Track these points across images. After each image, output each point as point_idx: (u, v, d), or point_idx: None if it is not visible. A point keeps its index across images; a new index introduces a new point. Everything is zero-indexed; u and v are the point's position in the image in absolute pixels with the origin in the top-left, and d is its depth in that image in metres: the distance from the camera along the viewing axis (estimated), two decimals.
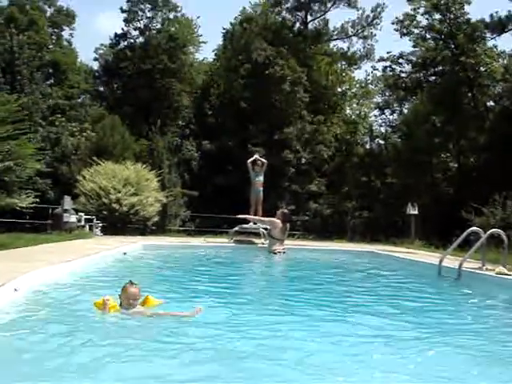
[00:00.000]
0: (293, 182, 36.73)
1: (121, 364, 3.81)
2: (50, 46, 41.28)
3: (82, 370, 3.62)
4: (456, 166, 36.94)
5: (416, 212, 24.30)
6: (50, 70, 40.36)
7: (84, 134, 34.95)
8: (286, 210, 15.45)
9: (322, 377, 3.71)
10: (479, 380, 3.85)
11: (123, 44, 43.66)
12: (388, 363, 4.14)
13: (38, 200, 18.45)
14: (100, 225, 21.51)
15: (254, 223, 16.76)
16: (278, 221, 14.09)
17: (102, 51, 45.93)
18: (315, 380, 3.67)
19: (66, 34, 46.20)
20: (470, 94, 36.47)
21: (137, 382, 3.50)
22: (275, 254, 13.66)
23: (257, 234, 17.21)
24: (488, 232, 10.21)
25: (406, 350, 4.55)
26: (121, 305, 5.31)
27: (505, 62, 37.25)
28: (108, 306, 5.17)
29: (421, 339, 5.03)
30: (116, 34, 43.45)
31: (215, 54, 45.61)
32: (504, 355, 4.59)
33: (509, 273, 9.46)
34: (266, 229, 15.62)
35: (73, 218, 19.11)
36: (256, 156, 18.29)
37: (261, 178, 17.77)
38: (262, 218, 15.76)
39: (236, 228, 17.42)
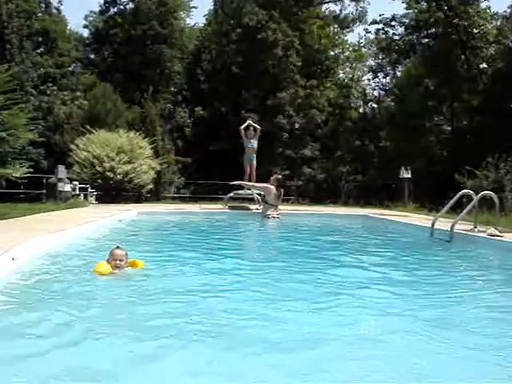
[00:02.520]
0: (286, 147, 36.75)
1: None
2: (39, 14, 40.60)
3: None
4: (449, 128, 36.96)
5: (409, 175, 24.45)
6: (40, 39, 39.82)
7: (76, 102, 34.76)
8: (279, 176, 15.51)
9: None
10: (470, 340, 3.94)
11: (113, 10, 43.08)
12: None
13: (31, 170, 18.45)
14: (95, 193, 21.58)
15: (249, 189, 16.87)
16: (272, 187, 14.20)
17: (91, 18, 45.36)
18: None
19: (54, 1, 45.51)
20: (463, 57, 36.28)
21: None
22: (269, 218, 13.79)
23: (251, 200, 17.33)
24: (480, 194, 10.31)
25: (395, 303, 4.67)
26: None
27: (498, 23, 36.98)
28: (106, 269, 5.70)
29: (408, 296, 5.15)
30: (105, 0, 42.87)
31: (206, 19, 45.14)
32: (491, 316, 4.68)
33: (500, 234, 9.59)
34: (260, 194, 15.73)
35: (67, 187, 19.14)
36: (249, 122, 18.29)
37: (254, 145, 17.83)
38: (257, 184, 15.84)
39: (230, 194, 17.54)
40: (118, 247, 6.03)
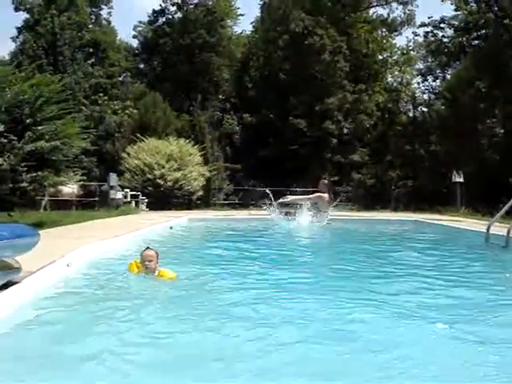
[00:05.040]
0: (335, 153, 36.52)
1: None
2: (90, 26, 41.53)
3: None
4: (502, 131, 36.06)
5: (461, 180, 24.00)
6: (91, 50, 40.72)
7: (126, 111, 35.36)
8: (326, 180, 15.36)
9: None
10: None
11: (161, 20, 43.71)
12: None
13: (84, 178, 18.85)
14: (145, 200, 21.88)
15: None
16: (325, 195, 14.09)
17: (140, 28, 46.04)
18: None
19: (104, 12, 46.44)
20: None
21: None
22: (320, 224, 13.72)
23: (299, 206, 17.22)
24: None
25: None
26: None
27: None
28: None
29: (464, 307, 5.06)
30: (154, 10, 43.59)
31: (253, 27, 45.24)
32: None
33: None
34: (314, 203, 15.49)
35: (119, 195, 19.50)
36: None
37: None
38: (310, 196, 15.61)
39: (280, 200, 17.48)
40: (148, 248, 6.15)
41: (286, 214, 16.85)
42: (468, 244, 10.96)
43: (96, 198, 21.89)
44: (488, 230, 10.05)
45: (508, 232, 9.31)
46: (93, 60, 40.65)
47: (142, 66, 45.26)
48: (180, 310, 4.66)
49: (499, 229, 10.03)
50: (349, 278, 6.63)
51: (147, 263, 5.90)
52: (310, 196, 15.53)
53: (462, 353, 3.62)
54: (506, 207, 10.50)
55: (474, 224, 13.78)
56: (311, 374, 3.20)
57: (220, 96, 42.20)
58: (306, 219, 14.28)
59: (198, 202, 25.59)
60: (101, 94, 36.24)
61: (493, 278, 6.77)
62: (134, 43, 46.55)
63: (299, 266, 7.68)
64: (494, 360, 3.46)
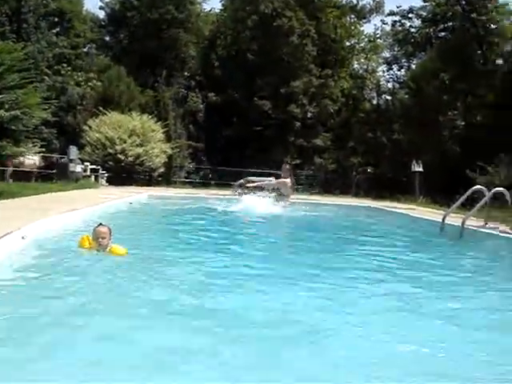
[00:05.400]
0: (298, 136, 36.62)
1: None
2: None
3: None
4: (463, 123, 36.67)
5: (421, 169, 24.35)
6: (56, 19, 39.69)
7: (89, 83, 34.74)
8: (288, 165, 15.41)
9: None
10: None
11: None
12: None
13: (44, 149, 18.51)
14: (106, 175, 21.64)
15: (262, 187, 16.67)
16: (288, 180, 14.15)
17: (108, 0, 45.15)
18: None
19: None
20: (479, 52, 35.94)
21: None
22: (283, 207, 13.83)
23: (261, 188, 17.25)
24: (492, 191, 10.26)
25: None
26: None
27: None
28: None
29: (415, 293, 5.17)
30: None
31: (222, 5, 44.78)
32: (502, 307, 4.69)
33: (511, 231, 9.56)
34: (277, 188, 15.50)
35: (78, 168, 19.24)
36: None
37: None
38: (273, 182, 15.63)
39: (241, 180, 17.48)
40: (101, 224, 6.08)
41: (246, 195, 16.88)
42: (423, 233, 11.15)
43: (54, 171, 21.50)
44: (443, 220, 10.25)
45: (462, 222, 9.51)
46: (57, 29, 39.65)
47: (107, 38, 44.40)
48: (123, 287, 4.71)
49: (455, 219, 10.24)
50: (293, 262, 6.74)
51: (100, 240, 5.84)
52: (273, 182, 15.55)
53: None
54: (461, 199, 10.72)
55: (430, 213, 14.03)
56: None
57: (186, 73, 41.76)
58: (268, 202, 14.33)
59: (159, 178, 25.44)
60: (64, 65, 35.45)
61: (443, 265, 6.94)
62: (101, 14, 45.60)
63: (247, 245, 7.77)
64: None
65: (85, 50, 41.40)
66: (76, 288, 4.48)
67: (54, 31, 38.60)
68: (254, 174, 17.91)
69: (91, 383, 2.71)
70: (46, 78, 31.63)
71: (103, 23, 44.62)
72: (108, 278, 4.97)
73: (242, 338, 3.49)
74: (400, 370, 3.12)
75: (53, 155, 23.94)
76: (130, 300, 4.24)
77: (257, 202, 13.69)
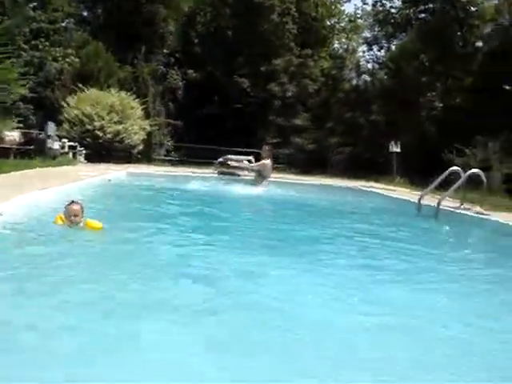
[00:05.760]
0: (278, 115, 36.59)
1: None
2: None
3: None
4: (441, 105, 36.89)
5: (398, 150, 24.53)
6: None
7: (67, 59, 34.22)
8: (267, 146, 15.43)
9: None
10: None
11: None
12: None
13: (21, 125, 18.30)
14: (84, 152, 21.48)
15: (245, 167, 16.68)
16: (268, 161, 14.16)
17: None
18: None
19: None
20: (459, 34, 36.08)
21: None
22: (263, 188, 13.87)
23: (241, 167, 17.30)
24: (468, 172, 10.41)
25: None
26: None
27: (496, 2, 36.65)
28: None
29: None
30: None
31: None
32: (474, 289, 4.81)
33: (486, 212, 9.73)
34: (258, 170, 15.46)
35: (56, 145, 19.06)
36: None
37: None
38: (254, 165, 15.61)
39: (220, 159, 17.52)
40: (73, 202, 6.06)
41: (226, 173, 16.93)
42: (399, 212, 11.31)
43: (32, 147, 21.26)
44: (420, 200, 10.40)
45: (438, 203, 9.66)
46: (35, 4, 38.91)
47: (85, 13, 43.70)
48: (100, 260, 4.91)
49: (432, 200, 10.39)
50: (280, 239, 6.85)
51: (72, 218, 5.84)
52: (254, 165, 15.54)
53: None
54: (438, 180, 10.87)
55: (406, 194, 14.20)
56: None
57: (165, 50, 41.33)
58: (247, 182, 14.39)
59: (139, 156, 25.31)
60: (42, 40, 34.82)
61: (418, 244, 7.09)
62: None
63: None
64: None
65: (63, 24, 40.70)
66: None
67: (32, 5, 37.87)
68: (233, 153, 17.90)
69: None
70: (23, 53, 31.05)
71: None
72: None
73: None
74: None
75: (32, 131, 23.64)
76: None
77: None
